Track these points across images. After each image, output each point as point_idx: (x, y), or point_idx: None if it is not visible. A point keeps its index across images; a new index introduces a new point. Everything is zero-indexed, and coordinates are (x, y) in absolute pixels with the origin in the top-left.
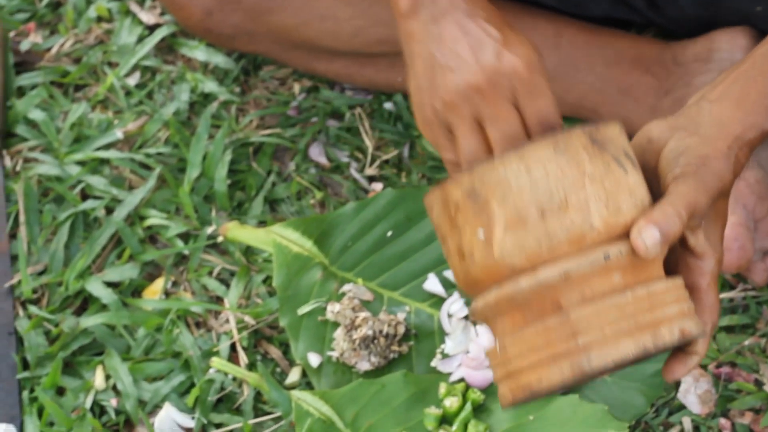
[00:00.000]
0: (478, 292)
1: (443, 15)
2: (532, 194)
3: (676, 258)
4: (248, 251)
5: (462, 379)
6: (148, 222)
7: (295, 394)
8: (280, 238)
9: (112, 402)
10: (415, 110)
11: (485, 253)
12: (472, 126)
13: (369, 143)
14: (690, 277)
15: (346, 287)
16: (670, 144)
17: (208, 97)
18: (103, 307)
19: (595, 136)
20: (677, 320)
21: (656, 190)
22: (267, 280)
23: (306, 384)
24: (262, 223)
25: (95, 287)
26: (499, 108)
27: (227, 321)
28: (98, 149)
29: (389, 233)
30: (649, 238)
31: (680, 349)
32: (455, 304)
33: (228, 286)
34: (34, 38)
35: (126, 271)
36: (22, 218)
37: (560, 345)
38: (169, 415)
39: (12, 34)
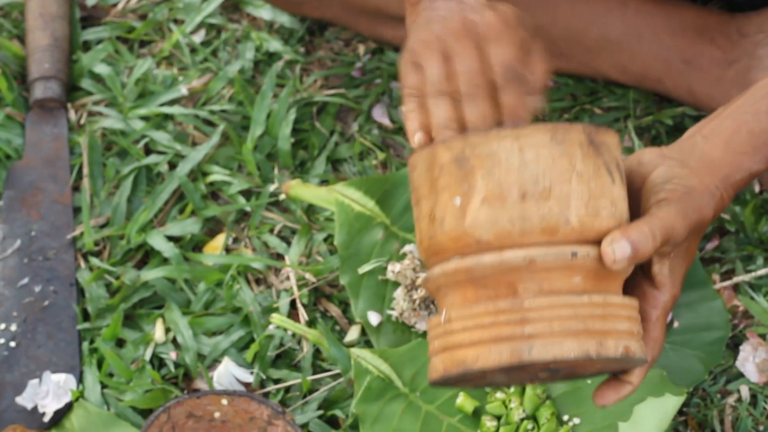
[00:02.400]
0: (437, 261)
1: None
2: (519, 175)
3: (634, 283)
4: (310, 210)
5: None
6: (211, 178)
7: (355, 351)
8: (343, 197)
9: (172, 355)
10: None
11: (456, 221)
12: (440, 59)
13: None
14: (643, 305)
15: (407, 248)
16: (659, 170)
17: (272, 57)
18: (164, 261)
19: (593, 138)
20: (625, 338)
21: (635, 213)
22: (328, 239)
23: (365, 342)
24: (324, 182)
25: (157, 241)
26: (465, 46)
27: (287, 278)
28: (162, 105)
29: None
30: (620, 250)
31: (615, 376)
32: None
33: (289, 243)
34: None
35: (188, 226)
36: (85, 171)
37: (506, 328)
38: (228, 370)
39: None
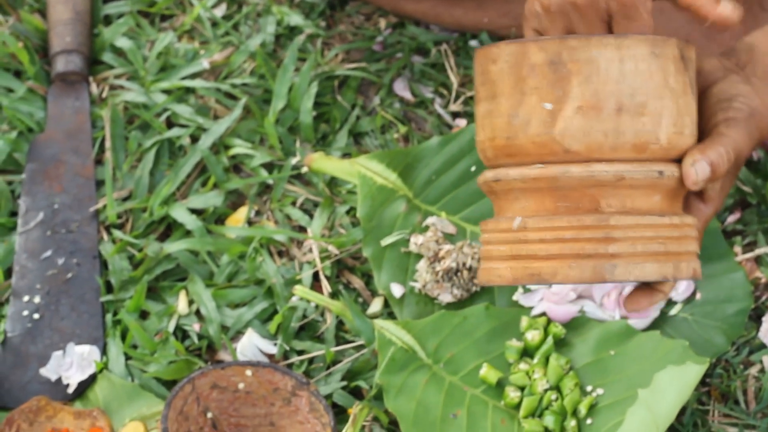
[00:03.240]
0: (513, 162)
1: None
2: (617, 86)
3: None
4: (332, 182)
5: (543, 314)
6: (233, 151)
7: (378, 322)
8: (365, 170)
9: (195, 327)
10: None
11: (544, 126)
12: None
13: (454, 79)
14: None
15: (430, 220)
16: (723, 85)
17: (293, 30)
18: (187, 234)
19: (684, 53)
20: (694, 259)
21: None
22: (350, 212)
23: (387, 314)
24: (346, 156)
25: (179, 213)
26: (590, 21)
27: (310, 250)
28: (184, 78)
29: (473, 168)
30: (701, 170)
31: (647, 284)
32: None
33: (311, 216)
34: None
35: (210, 199)
36: (108, 144)
37: (590, 245)
38: (251, 341)
39: None
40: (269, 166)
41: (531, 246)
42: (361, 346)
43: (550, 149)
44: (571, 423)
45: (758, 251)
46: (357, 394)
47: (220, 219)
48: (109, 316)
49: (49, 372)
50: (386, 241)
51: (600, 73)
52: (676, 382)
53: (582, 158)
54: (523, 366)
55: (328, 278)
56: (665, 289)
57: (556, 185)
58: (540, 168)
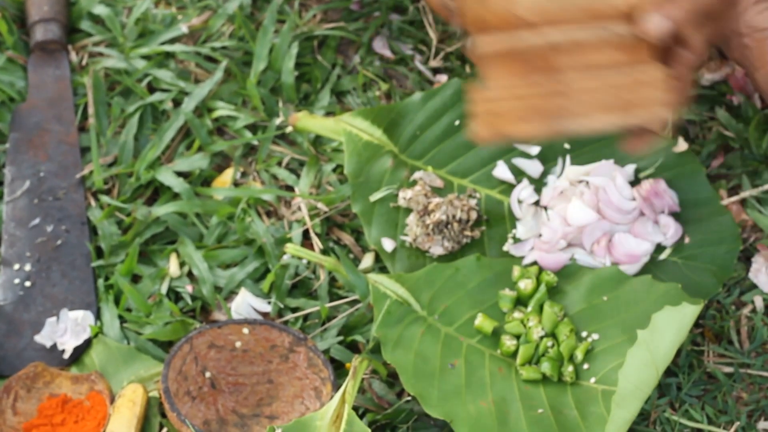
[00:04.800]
0: (481, 33)
1: None
2: None
3: (669, 49)
4: (317, 141)
5: (534, 263)
6: (216, 114)
7: (372, 276)
8: (350, 127)
9: (188, 288)
10: None
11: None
12: None
13: (433, 36)
14: (677, 67)
15: (417, 174)
16: None
17: None
18: (175, 197)
19: None
20: (655, 105)
21: None
22: (337, 169)
23: (379, 269)
24: (329, 114)
25: (166, 177)
26: None
27: (299, 209)
28: (163, 43)
29: (456, 122)
30: (657, 22)
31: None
32: (525, 190)
33: (298, 175)
34: None
35: (195, 162)
36: (90, 110)
37: (543, 101)
38: (245, 300)
39: None
40: (253, 128)
41: (496, 105)
42: (355, 301)
43: (508, 19)
44: (568, 368)
45: (743, 194)
46: (353, 348)
47: (207, 181)
48: (100, 281)
49: (43, 339)
50: (375, 197)
51: None
52: (673, 323)
53: (536, 24)
54: (517, 315)
55: (318, 235)
56: (658, 131)
57: (516, 53)
58: (499, 36)
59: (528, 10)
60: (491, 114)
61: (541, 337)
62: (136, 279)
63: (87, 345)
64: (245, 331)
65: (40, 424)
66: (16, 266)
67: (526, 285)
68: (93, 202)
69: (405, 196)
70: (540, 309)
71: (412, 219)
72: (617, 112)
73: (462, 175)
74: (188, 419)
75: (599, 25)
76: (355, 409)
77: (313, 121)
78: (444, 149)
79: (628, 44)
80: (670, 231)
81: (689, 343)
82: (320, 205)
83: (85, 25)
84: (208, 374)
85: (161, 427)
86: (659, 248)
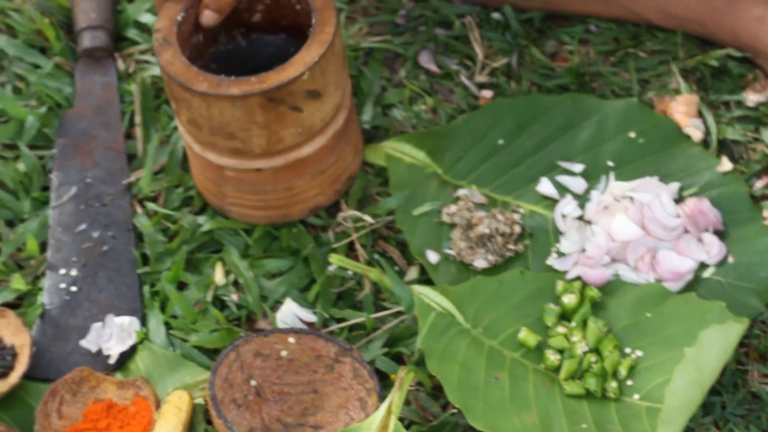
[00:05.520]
0: None
1: None
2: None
3: None
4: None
5: (578, 278)
6: None
7: (417, 288)
8: (393, 151)
9: (233, 297)
10: None
11: None
12: None
13: (479, 51)
14: None
15: (461, 192)
16: None
17: None
18: None
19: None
20: None
21: None
22: (383, 184)
23: (424, 282)
24: (375, 128)
25: None
26: None
27: (345, 220)
28: None
29: (500, 141)
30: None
31: None
32: (569, 205)
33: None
34: None
35: None
36: (138, 118)
37: None
38: (291, 310)
39: None
40: None
41: None
42: (399, 313)
43: None
44: (612, 384)
45: None
46: (398, 359)
47: None
48: (146, 288)
49: (89, 343)
50: (418, 211)
51: None
52: (719, 341)
53: None
54: (561, 329)
55: (363, 247)
56: None
57: None
58: None
59: None
60: None
61: (585, 353)
62: (181, 286)
63: (132, 351)
64: (291, 340)
65: (85, 428)
66: (63, 271)
67: (569, 300)
68: (139, 209)
69: (448, 211)
70: (584, 324)
71: (456, 233)
72: None
73: (505, 192)
74: (234, 427)
75: None
76: (401, 420)
77: None
78: (488, 168)
79: None
80: (714, 249)
81: (734, 362)
82: (366, 217)
83: (132, 33)
84: (253, 383)
85: None
86: (702, 266)
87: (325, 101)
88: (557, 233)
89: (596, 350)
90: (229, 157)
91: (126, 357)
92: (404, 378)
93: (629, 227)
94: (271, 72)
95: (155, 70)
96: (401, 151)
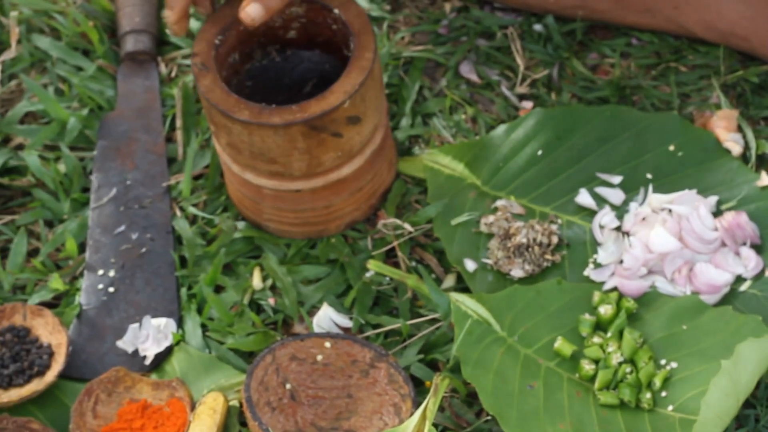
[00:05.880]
0: None
1: None
2: None
3: None
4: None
5: (615, 288)
6: None
7: (454, 295)
8: (432, 163)
9: (270, 301)
10: None
11: None
12: None
13: (520, 62)
14: None
15: (499, 202)
16: None
17: None
18: None
19: None
20: None
21: None
22: (421, 193)
23: (460, 290)
24: (414, 137)
25: None
26: None
27: (385, 228)
28: None
29: (539, 152)
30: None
31: None
32: (607, 216)
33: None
34: None
35: None
36: (179, 122)
37: None
38: (327, 314)
39: None
40: None
41: None
42: (435, 320)
43: None
44: (646, 395)
45: None
46: (433, 366)
47: None
48: (183, 290)
49: (125, 344)
50: (457, 220)
51: None
52: (756, 354)
53: None
54: (596, 339)
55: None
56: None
57: None
58: None
59: None
60: None
61: (620, 363)
62: (218, 290)
63: (168, 352)
64: (327, 344)
65: (119, 428)
66: (101, 272)
67: (606, 310)
68: (178, 212)
69: (486, 221)
70: (619, 335)
71: (493, 243)
72: None
73: (544, 203)
74: (270, 429)
75: None
76: (435, 426)
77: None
78: (526, 179)
79: None
80: (751, 263)
81: None
82: (406, 225)
83: (175, 37)
84: (288, 386)
85: None
86: (739, 280)
87: (364, 125)
88: (595, 244)
89: (631, 361)
90: (269, 179)
91: (162, 358)
92: (439, 384)
93: (667, 239)
94: (312, 101)
95: None
96: (440, 162)
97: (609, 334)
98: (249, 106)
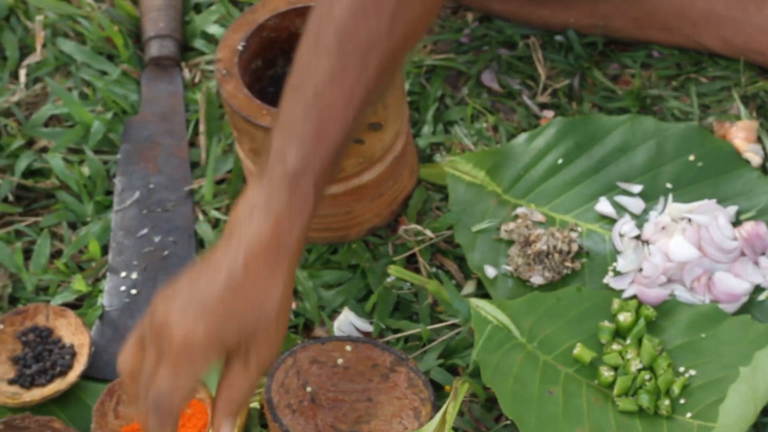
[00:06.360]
0: None
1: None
2: None
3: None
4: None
5: (634, 296)
6: None
7: (474, 301)
8: (453, 170)
9: (292, 305)
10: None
11: None
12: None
13: (541, 71)
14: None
15: (520, 210)
16: None
17: None
18: None
19: None
20: None
21: None
22: (443, 199)
23: (480, 296)
24: (436, 145)
25: None
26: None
27: (407, 233)
28: None
29: (560, 161)
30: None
31: None
32: (627, 225)
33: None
34: None
35: None
36: (202, 127)
37: None
38: (347, 319)
39: None
40: None
41: None
42: (455, 326)
43: None
44: (665, 402)
45: None
46: (453, 371)
47: None
48: None
49: None
50: (477, 227)
51: None
52: None
53: None
54: (615, 347)
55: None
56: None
57: None
58: None
59: None
60: None
61: (639, 370)
62: None
63: None
64: (348, 348)
65: (140, 428)
66: (123, 274)
67: (625, 318)
68: (200, 216)
69: (507, 228)
70: (638, 342)
71: (513, 250)
72: None
73: (564, 211)
74: (290, 431)
75: None
76: (454, 430)
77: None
78: (547, 188)
79: None
80: None
81: None
82: (427, 231)
83: (199, 43)
84: (309, 389)
85: None
86: (758, 289)
87: (386, 132)
88: (614, 252)
89: (650, 368)
90: None
91: None
92: (459, 388)
93: (686, 248)
94: None
95: None
96: (461, 170)
97: (628, 342)
98: (272, 112)
